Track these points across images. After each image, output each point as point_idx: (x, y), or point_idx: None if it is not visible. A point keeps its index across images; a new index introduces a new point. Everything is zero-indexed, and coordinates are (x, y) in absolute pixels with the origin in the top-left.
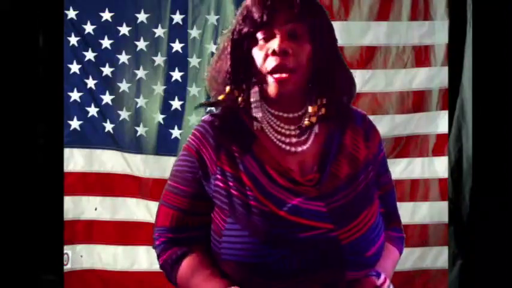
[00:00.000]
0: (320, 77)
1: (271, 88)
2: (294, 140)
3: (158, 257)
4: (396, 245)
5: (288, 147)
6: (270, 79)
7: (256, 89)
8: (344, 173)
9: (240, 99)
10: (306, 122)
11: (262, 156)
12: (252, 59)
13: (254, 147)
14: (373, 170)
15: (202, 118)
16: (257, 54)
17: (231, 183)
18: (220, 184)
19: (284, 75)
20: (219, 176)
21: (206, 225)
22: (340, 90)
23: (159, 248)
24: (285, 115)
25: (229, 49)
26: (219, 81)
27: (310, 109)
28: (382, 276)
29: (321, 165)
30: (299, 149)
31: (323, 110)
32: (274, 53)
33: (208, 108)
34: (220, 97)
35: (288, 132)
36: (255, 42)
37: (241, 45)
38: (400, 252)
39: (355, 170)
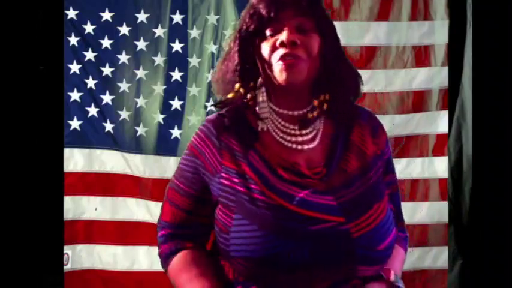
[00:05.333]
0: (326, 73)
1: (280, 74)
2: (299, 138)
3: (158, 247)
4: (402, 245)
5: (294, 146)
6: (278, 66)
7: (263, 88)
8: (352, 168)
9: (249, 96)
10: (309, 115)
11: (266, 153)
12: (259, 57)
13: (257, 146)
14: (382, 166)
15: (207, 118)
16: (265, 48)
17: (236, 180)
18: (226, 182)
19: (293, 59)
20: (224, 175)
21: (205, 225)
22: (346, 88)
23: (160, 239)
24: (290, 113)
25: (236, 48)
26: (227, 81)
27: (314, 103)
28: (392, 273)
29: (327, 160)
30: (305, 147)
31: (325, 106)
32: (282, 44)
33: (208, 108)
34: (230, 95)
35: (293, 131)
36: (263, 38)
37: (248, 43)
38: (405, 252)
39: (364, 165)
